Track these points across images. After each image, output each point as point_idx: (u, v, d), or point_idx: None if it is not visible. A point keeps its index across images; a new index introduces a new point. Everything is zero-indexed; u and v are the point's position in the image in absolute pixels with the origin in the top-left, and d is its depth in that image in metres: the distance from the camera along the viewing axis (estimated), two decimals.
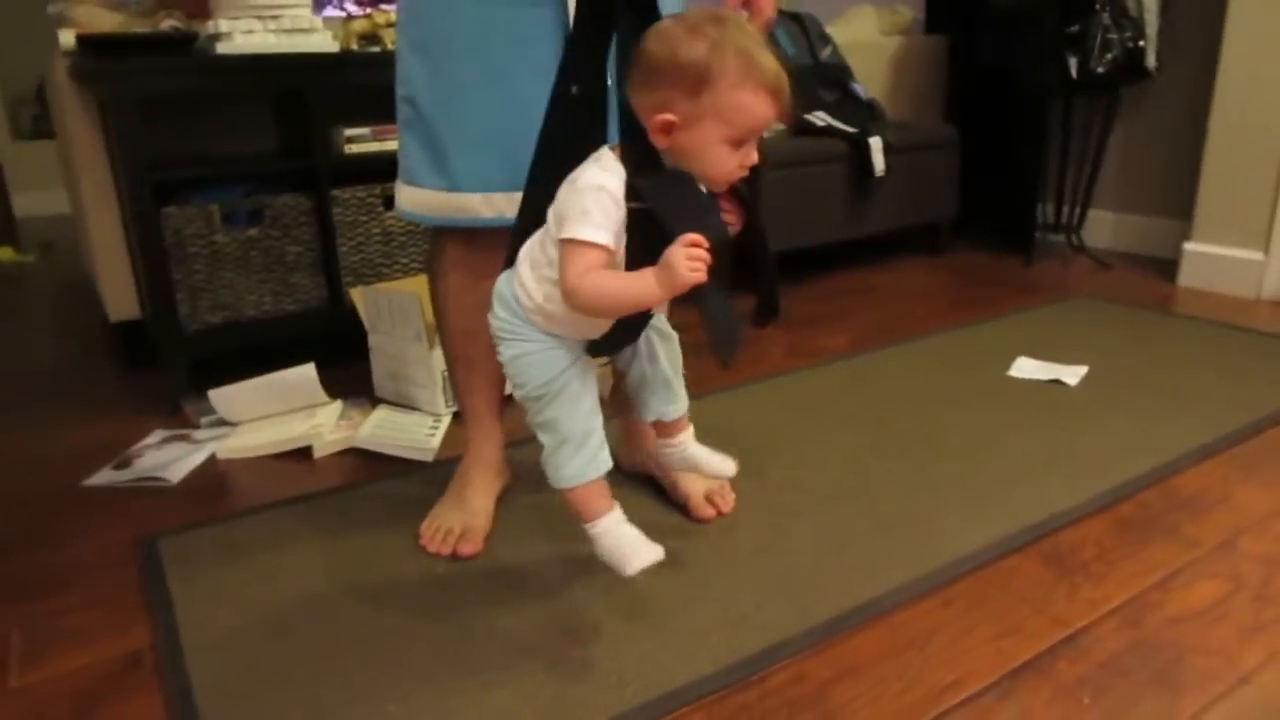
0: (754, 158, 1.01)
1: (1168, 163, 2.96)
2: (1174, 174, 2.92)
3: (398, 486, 1.56)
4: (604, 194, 0.97)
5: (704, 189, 1.03)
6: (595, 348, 1.11)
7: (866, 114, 2.97)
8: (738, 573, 1.26)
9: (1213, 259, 2.65)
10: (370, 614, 1.19)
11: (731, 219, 1.09)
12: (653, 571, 1.09)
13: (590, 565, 1.20)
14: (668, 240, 0.95)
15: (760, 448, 1.64)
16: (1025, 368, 2.02)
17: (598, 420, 1.11)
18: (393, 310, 1.85)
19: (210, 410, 1.82)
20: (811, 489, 1.46)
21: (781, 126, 2.85)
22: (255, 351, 1.96)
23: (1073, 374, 1.96)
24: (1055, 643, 1.10)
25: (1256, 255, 2.56)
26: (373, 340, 1.94)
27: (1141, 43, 2.78)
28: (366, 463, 1.66)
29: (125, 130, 1.83)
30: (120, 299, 2.13)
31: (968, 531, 1.34)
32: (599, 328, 1.08)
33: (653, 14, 1.01)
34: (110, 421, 1.90)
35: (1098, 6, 2.75)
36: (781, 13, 3.05)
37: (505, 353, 1.10)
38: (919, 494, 1.47)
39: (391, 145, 2.09)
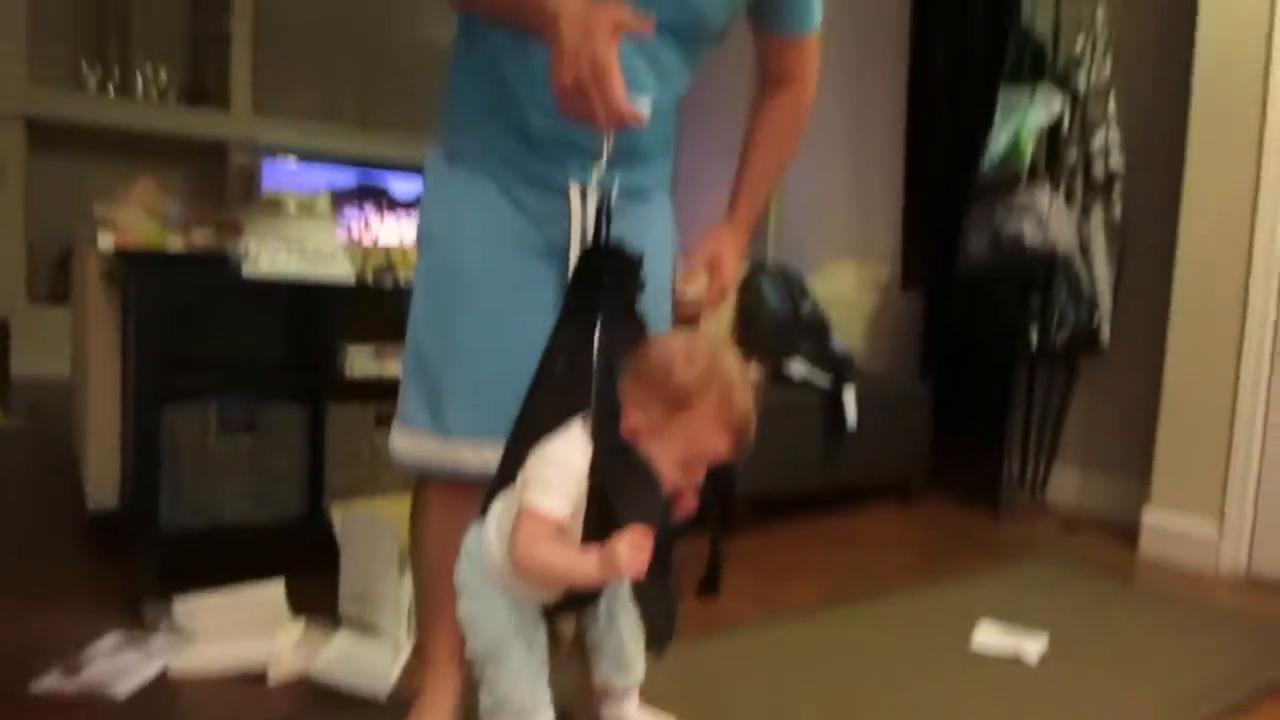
0: (701, 476, 1.09)
1: (1127, 424, 3.10)
2: (1134, 435, 3.05)
3: None
4: (567, 467, 1.05)
5: (655, 479, 1.09)
6: (551, 610, 1.15)
7: (842, 367, 3.13)
8: None
9: (1171, 531, 2.73)
10: None
11: (689, 502, 1.16)
12: None
13: None
14: (619, 523, 1.01)
15: (715, 710, 1.64)
16: (988, 635, 2.05)
17: (543, 697, 1.13)
18: (368, 534, 1.89)
19: (171, 616, 1.81)
20: None
21: (758, 375, 3.01)
22: (228, 558, 1.97)
23: (1034, 644, 1.99)
24: None
25: (1211, 528, 2.65)
26: (345, 560, 1.96)
27: (1096, 319, 3.01)
28: (321, 694, 1.65)
29: (144, 332, 1.94)
30: (102, 487, 2.17)
31: None
32: (554, 592, 1.12)
33: (639, 319, 1.15)
34: (68, 615, 1.88)
35: (1056, 285, 2.99)
36: (768, 267, 3.29)
37: (462, 606, 1.14)
38: None
39: (391, 367, 2.22)
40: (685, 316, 1.40)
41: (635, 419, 1.06)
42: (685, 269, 1.41)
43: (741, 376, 1.08)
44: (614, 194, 1.14)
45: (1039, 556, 2.71)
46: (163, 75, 5.02)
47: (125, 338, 2.08)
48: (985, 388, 3.28)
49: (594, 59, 1.00)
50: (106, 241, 2.13)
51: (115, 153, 4.86)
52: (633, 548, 0.98)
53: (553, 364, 1.14)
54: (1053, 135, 2.96)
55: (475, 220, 1.28)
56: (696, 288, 1.40)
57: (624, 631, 1.25)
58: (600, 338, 1.12)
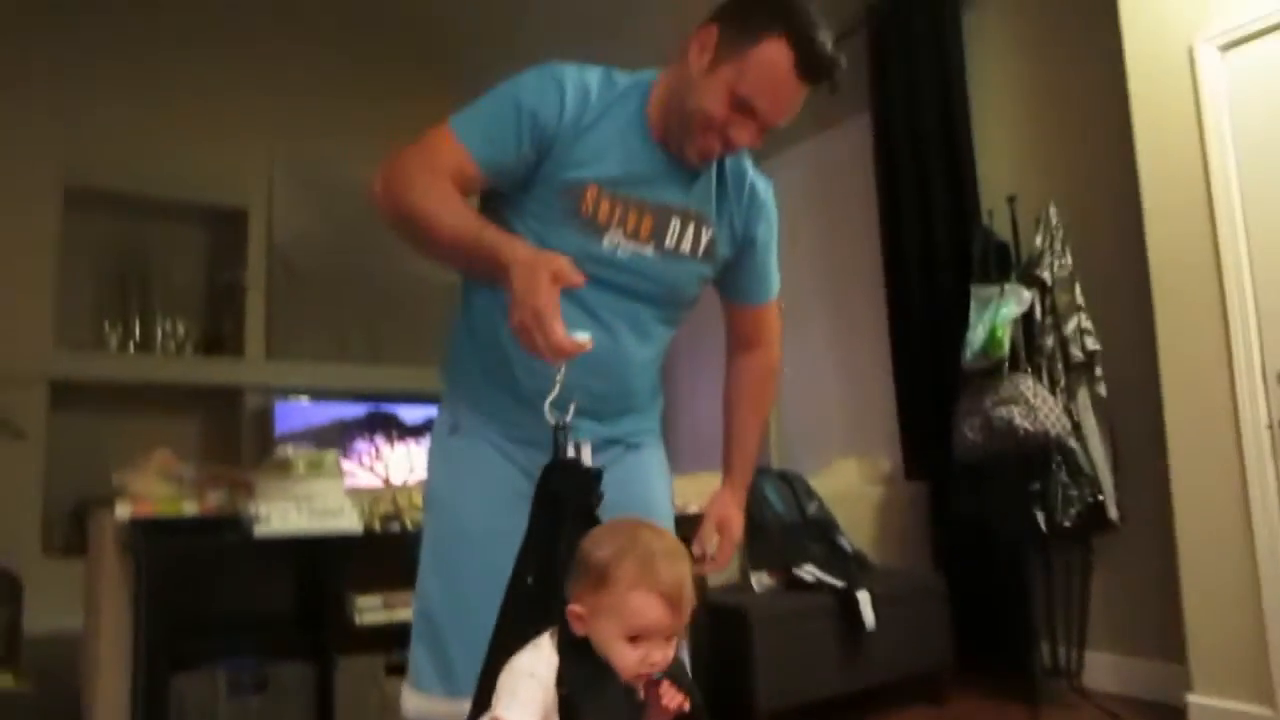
0: (657, 658, 1.10)
1: (1153, 607, 3.03)
2: (1163, 618, 2.97)
3: None
4: (533, 680, 1.07)
5: (628, 684, 1.10)
6: None
7: (854, 566, 3.13)
8: None
9: (1222, 710, 2.61)
10: None
11: (673, 705, 1.17)
12: None
13: None
14: None
15: None
16: None
17: None
18: None
19: None
20: None
21: (771, 582, 3.01)
22: None
23: None
24: None
25: (1265, 712, 2.53)
26: None
27: (1100, 496, 3.02)
28: None
29: (155, 600, 1.99)
30: None
31: None
32: None
33: (592, 517, 1.20)
34: None
35: (1054, 465, 3.03)
36: (771, 471, 3.36)
37: None
38: None
39: (400, 614, 2.24)
40: (701, 573, 1.47)
41: (573, 610, 1.10)
42: (698, 532, 1.51)
43: (664, 548, 1.11)
44: (568, 416, 1.22)
45: None
46: (180, 328, 5.29)
47: (137, 605, 2.12)
48: (1002, 574, 3.25)
49: (534, 306, 1.13)
50: (124, 510, 2.21)
51: (133, 404, 5.04)
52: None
53: (521, 582, 1.19)
54: (1028, 323, 3.10)
55: (475, 484, 1.36)
56: (710, 547, 1.51)
57: None
58: (563, 551, 1.17)
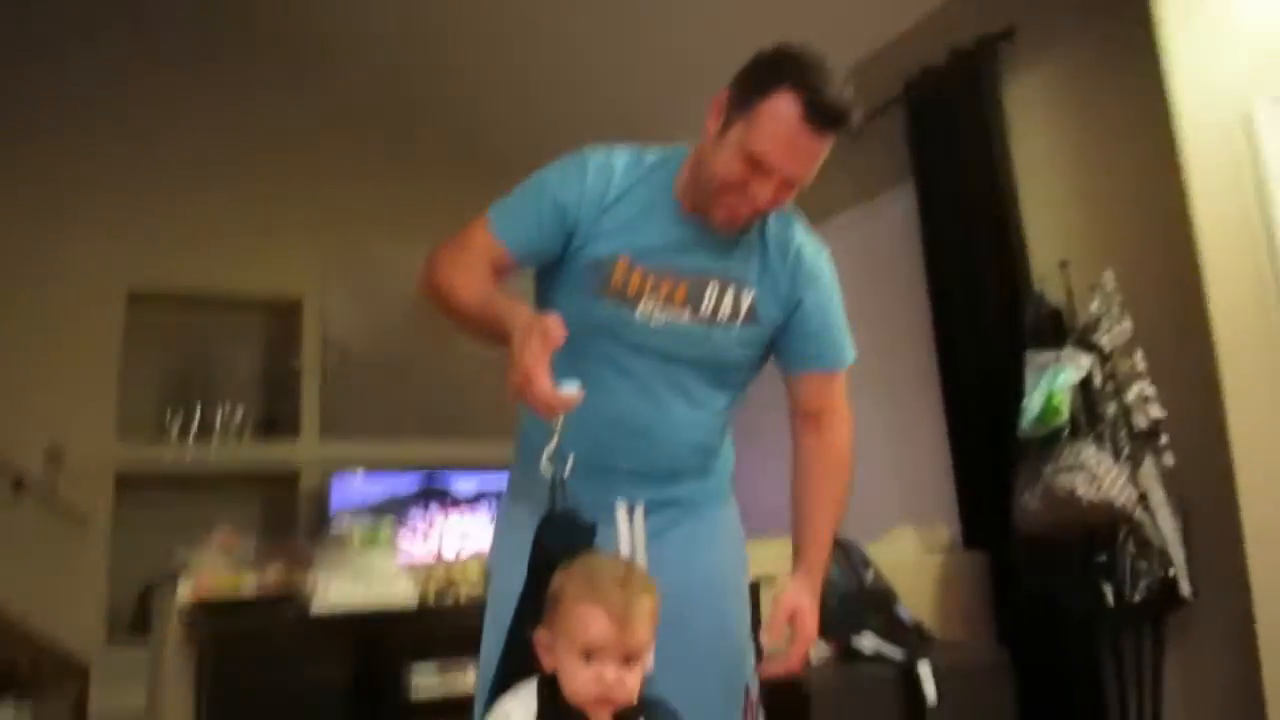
0: (610, 678, 1.10)
1: (1232, 689, 2.88)
2: (1243, 700, 2.83)
3: None
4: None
5: None
6: None
7: (913, 638, 3.05)
8: None
9: None
10: None
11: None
12: None
13: None
14: None
15: None
16: None
17: None
18: None
19: None
20: None
21: (828, 652, 2.94)
22: None
23: None
24: None
25: None
26: None
27: (1172, 571, 2.90)
28: None
29: (216, 677, 2.03)
30: None
31: None
32: None
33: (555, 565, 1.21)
34: None
35: (1121, 537, 2.92)
36: None
37: None
38: None
39: (455, 682, 2.24)
40: (771, 674, 1.43)
41: (540, 637, 1.14)
42: (768, 625, 1.45)
43: (615, 572, 1.15)
44: (566, 470, 1.25)
45: None
46: (239, 414, 5.45)
47: (199, 682, 2.16)
48: (1070, 650, 3.13)
49: (522, 365, 1.17)
50: (186, 591, 2.27)
51: (195, 489, 5.17)
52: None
53: (520, 633, 1.22)
54: (1086, 391, 3.02)
55: (519, 561, 1.38)
56: (780, 641, 1.45)
57: None
58: None
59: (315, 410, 5.48)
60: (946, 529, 3.71)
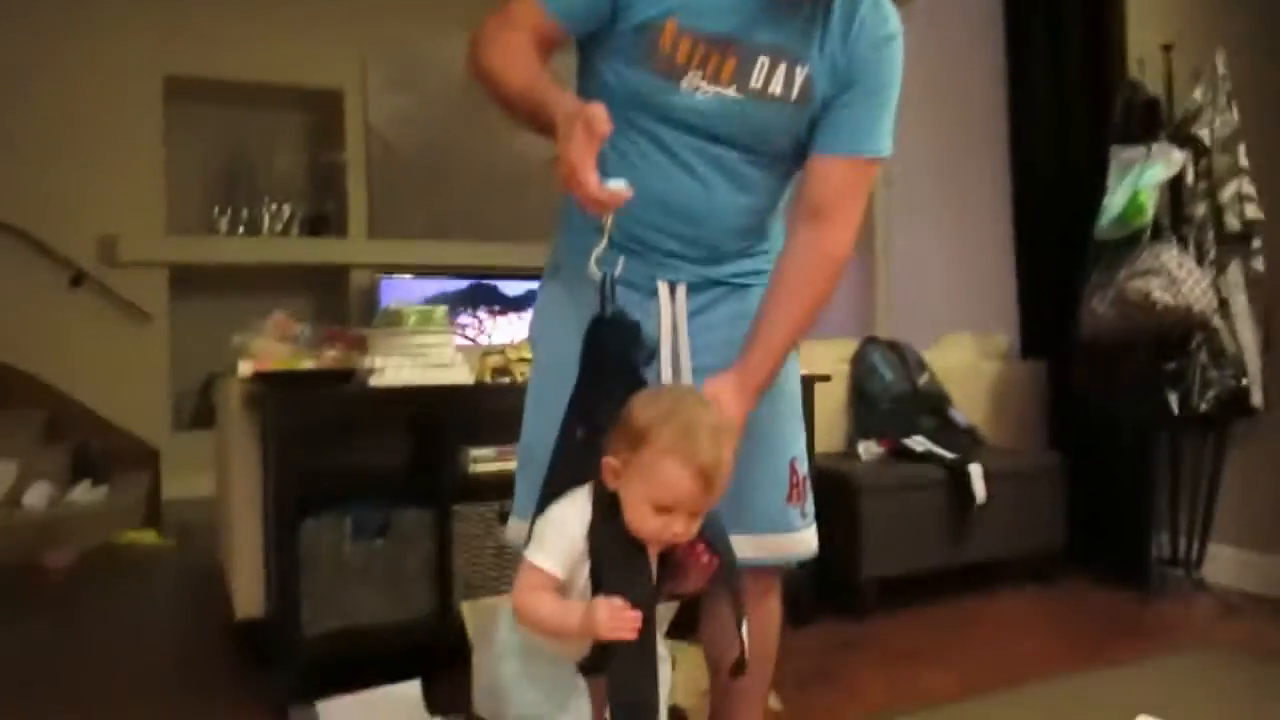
0: (679, 530, 1.09)
1: None
2: None
3: None
4: (562, 529, 1.10)
5: (645, 553, 1.11)
6: (585, 665, 1.16)
7: (966, 440, 3.04)
8: None
9: None
10: None
11: (699, 571, 1.17)
12: None
13: None
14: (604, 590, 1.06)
15: None
16: None
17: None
18: (496, 625, 1.91)
19: (316, 718, 1.86)
20: None
21: (879, 451, 2.94)
22: (366, 659, 2.02)
23: None
24: None
25: None
26: (476, 655, 1.99)
27: (1245, 381, 2.82)
28: None
29: (282, 450, 2.06)
30: (247, 597, 2.27)
31: None
32: (581, 646, 1.12)
33: (637, 376, 1.19)
34: (222, 717, 1.95)
35: (1193, 346, 2.83)
36: (879, 340, 3.25)
37: (502, 669, 1.17)
38: None
39: (511, 465, 2.28)
40: None
41: (609, 461, 1.10)
42: None
43: (711, 422, 1.09)
44: (616, 271, 1.20)
45: (1199, 643, 2.49)
46: (285, 211, 5.43)
47: (265, 456, 2.21)
48: (1123, 459, 3.10)
49: (568, 159, 1.10)
50: (246, 368, 2.28)
51: (247, 286, 5.23)
52: (613, 611, 1.02)
53: (571, 434, 1.20)
54: (1175, 189, 2.84)
55: (568, 321, 1.33)
56: None
57: None
58: (606, 405, 1.16)
59: (363, 208, 5.43)
60: (1005, 337, 3.63)
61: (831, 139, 1.34)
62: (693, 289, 1.39)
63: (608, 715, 1.10)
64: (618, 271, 1.21)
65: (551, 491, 1.18)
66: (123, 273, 4.92)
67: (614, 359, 1.20)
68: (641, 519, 1.08)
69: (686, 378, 1.36)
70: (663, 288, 1.37)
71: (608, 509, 1.11)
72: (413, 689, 1.83)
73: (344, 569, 2.12)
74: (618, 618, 1.03)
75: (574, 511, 1.12)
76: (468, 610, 2.05)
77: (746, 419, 1.29)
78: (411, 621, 2.17)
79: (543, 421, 1.35)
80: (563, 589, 1.11)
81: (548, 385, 1.37)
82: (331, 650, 2.09)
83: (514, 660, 1.16)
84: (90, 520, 3.88)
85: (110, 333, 4.91)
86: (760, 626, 1.44)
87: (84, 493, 4.00)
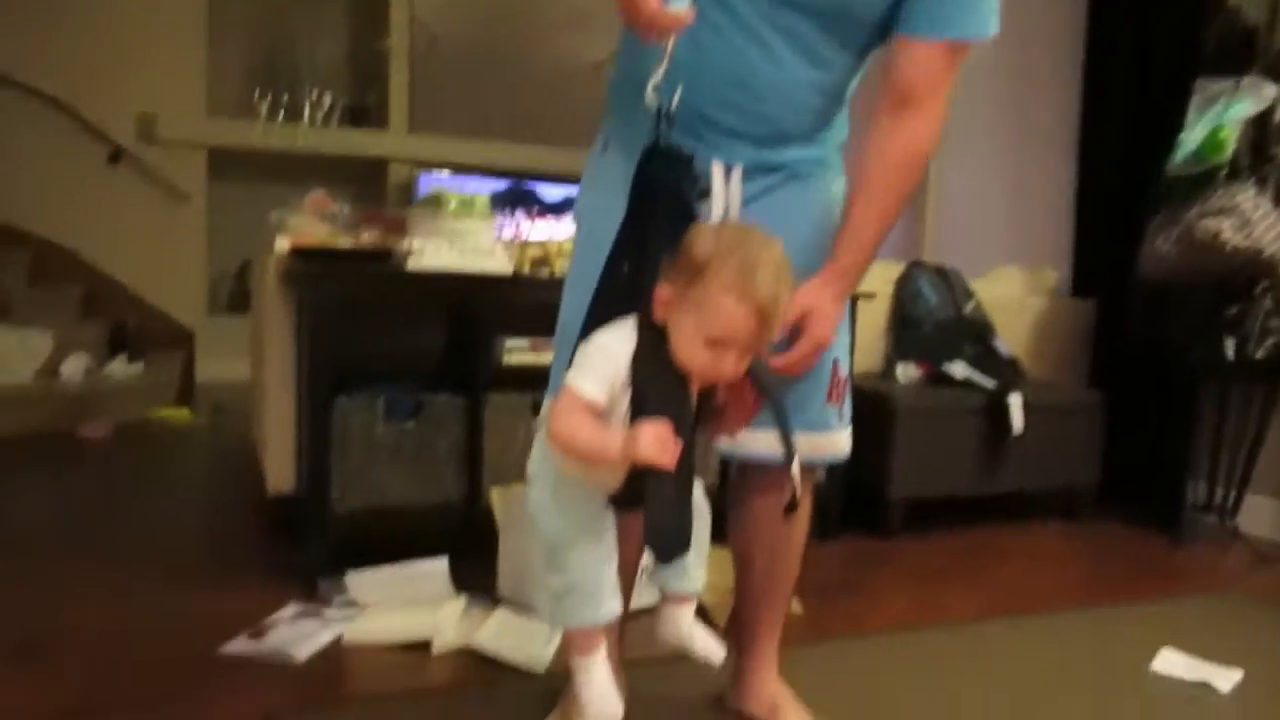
0: (729, 367, 1.06)
1: None
2: None
3: (507, 696, 1.55)
4: (607, 355, 1.08)
5: (688, 387, 1.09)
6: (616, 502, 1.15)
7: (1008, 371, 2.98)
8: None
9: None
10: None
11: (743, 411, 1.15)
12: None
13: None
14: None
15: (870, 705, 1.57)
16: (1171, 662, 1.87)
17: (610, 584, 1.15)
18: (524, 511, 1.91)
19: (344, 591, 1.89)
20: None
21: (918, 374, 2.89)
22: (394, 538, 2.04)
23: (1225, 679, 1.80)
24: None
25: None
26: (503, 540, 2.00)
27: None
28: (481, 666, 1.67)
29: (317, 328, 2.04)
30: (279, 473, 2.29)
31: None
32: (615, 478, 1.11)
33: (693, 215, 1.15)
34: (252, 589, 1.99)
35: (1257, 292, 2.73)
36: (926, 265, 3.17)
37: (531, 494, 1.17)
38: None
39: (545, 358, 2.26)
40: (775, 366, 1.30)
41: (662, 291, 1.07)
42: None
43: (772, 259, 1.05)
44: (675, 101, 1.14)
45: (1228, 589, 2.46)
46: (326, 99, 5.34)
47: (300, 333, 2.19)
48: (1168, 402, 3.03)
49: None
50: (283, 244, 2.26)
51: (284, 173, 5.19)
52: (658, 434, 0.99)
53: (617, 268, 1.16)
54: (1261, 127, 2.68)
55: (614, 195, 1.26)
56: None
57: None
58: (657, 239, 1.13)
59: (404, 101, 5.34)
60: (1055, 273, 3.53)
61: (924, 17, 1.23)
62: (749, 174, 1.33)
63: (644, 560, 1.10)
64: (674, 102, 1.14)
65: (594, 324, 1.14)
66: (162, 152, 4.90)
67: (666, 192, 1.15)
68: (692, 352, 1.06)
69: None
70: (717, 169, 1.30)
71: (653, 340, 1.08)
72: (440, 565, 1.84)
73: (375, 449, 2.12)
74: (662, 440, 1.00)
75: (620, 341, 1.09)
76: (497, 496, 2.05)
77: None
78: (440, 504, 2.18)
79: (577, 297, 1.31)
80: (602, 418, 1.07)
81: (589, 259, 1.31)
82: (360, 528, 2.11)
83: (545, 488, 1.15)
84: (125, 395, 3.93)
85: (148, 212, 4.91)
86: (788, 527, 1.43)
87: (119, 367, 4.04)
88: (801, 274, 1.28)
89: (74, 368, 3.84)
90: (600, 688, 1.16)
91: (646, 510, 1.07)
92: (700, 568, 1.23)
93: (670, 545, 1.11)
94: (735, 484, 1.50)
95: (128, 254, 4.80)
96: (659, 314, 1.08)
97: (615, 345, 1.08)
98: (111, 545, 2.33)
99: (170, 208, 4.97)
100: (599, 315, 1.15)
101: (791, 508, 1.19)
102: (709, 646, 1.22)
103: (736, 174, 1.31)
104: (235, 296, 5.31)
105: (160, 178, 4.88)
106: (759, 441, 1.32)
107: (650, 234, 1.14)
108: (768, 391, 1.16)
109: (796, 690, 1.52)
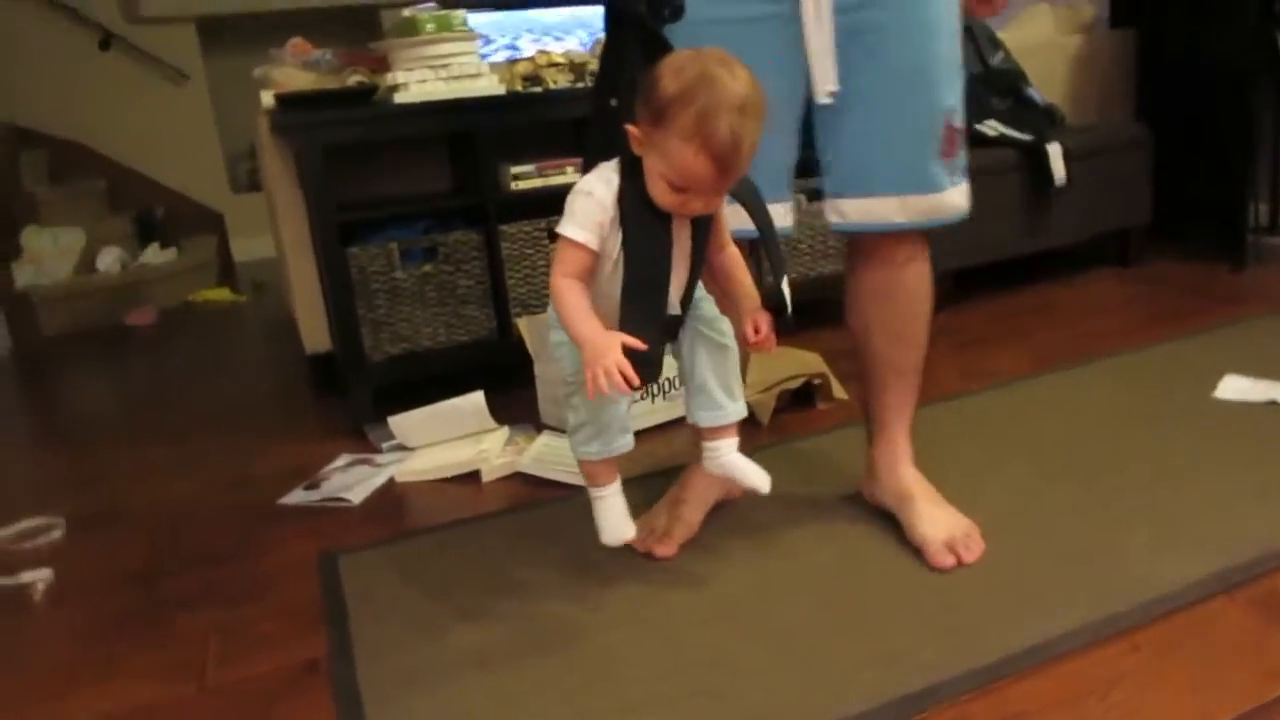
0: (698, 207, 1.04)
1: None
2: None
3: (557, 510, 1.59)
4: (591, 199, 1.06)
5: (667, 220, 1.07)
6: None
7: (1044, 120, 2.80)
8: (894, 608, 1.20)
9: None
10: (525, 631, 1.22)
11: (765, 339, 1.12)
12: (807, 605, 1.13)
13: (749, 596, 1.20)
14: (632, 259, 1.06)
15: (923, 474, 1.56)
16: (1234, 387, 1.82)
17: (620, 409, 1.17)
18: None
19: (390, 436, 1.93)
20: (979, 520, 1.37)
21: None
22: (431, 380, 2.07)
23: None
24: (1267, 701, 0.98)
25: None
26: (538, 368, 2.01)
27: None
28: (530, 487, 1.72)
29: (315, 177, 1.99)
30: (314, 333, 2.32)
31: (1161, 569, 1.22)
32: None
33: (660, 41, 1.09)
34: (304, 445, 2.06)
35: None
36: None
37: (552, 337, 1.18)
38: (1103, 526, 1.35)
39: (555, 180, 2.19)
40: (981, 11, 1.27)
41: (632, 130, 1.03)
42: None
43: (732, 101, 0.97)
44: None
45: None
46: None
47: (304, 185, 2.14)
48: (1219, 124, 2.83)
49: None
50: (268, 98, 2.17)
51: (278, 36, 4.96)
52: (604, 368, 0.98)
53: (604, 104, 1.13)
54: None
55: None
56: None
57: (704, 368, 1.19)
58: (632, 71, 1.08)
59: None
60: (1090, 6, 3.24)
61: None
62: None
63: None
64: None
65: (592, 160, 1.12)
66: (151, 31, 4.74)
67: (629, 17, 1.10)
68: (660, 194, 1.04)
69: (828, 29, 1.20)
70: None
71: (636, 179, 1.05)
72: (477, 398, 1.86)
73: (397, 294, 2.12)
74: (607, 374, 0.99)
75: (602, 182, 1.07)
76: (525, 325, 2.05)
77: (891, 65, 1.21)
78: (471, 341, 2.18)
79: None
80: (599, 260, 1.07)
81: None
82: (397, 373, 2.13)
83: (559, 331, 1.13)
84: (165, 281, 3.99)
85: (151, 98, 4.82)
86: (909, 292, 1.37)
87: (154, 255, 4.09)
88: (922, 27, 1.20)
89: (109, 260, 3.89)
90: (611, 516, 1.22)
91: (620, 324, 1.08)
92: (733, 400, 1.21)
93: (640, 378, 1.08)
94: (846, 260, 1.44)
95: (141, 142, 4.75)
96: (635, 149, 1.04)
97: (598, 188, 1.06)
98: (167, 421, 2.42)
99: (172, 90, 4.87)
100: (593, 150, 1.12)
101: (785, 325, 1.15)
102: (751, 477, 1.20)
103: None
104: (255, 173, 5.26)
105: (154, 57, 4.75)
106: (858, 210, 1.29)
107: (626, 64, 1.09)
108: (755, 215, 1.14)
109: (848, 468, 1.52)
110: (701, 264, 1.14)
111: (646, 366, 1.07)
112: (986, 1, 1.27)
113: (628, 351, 1.01)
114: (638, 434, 1.27)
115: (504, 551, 1.46)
